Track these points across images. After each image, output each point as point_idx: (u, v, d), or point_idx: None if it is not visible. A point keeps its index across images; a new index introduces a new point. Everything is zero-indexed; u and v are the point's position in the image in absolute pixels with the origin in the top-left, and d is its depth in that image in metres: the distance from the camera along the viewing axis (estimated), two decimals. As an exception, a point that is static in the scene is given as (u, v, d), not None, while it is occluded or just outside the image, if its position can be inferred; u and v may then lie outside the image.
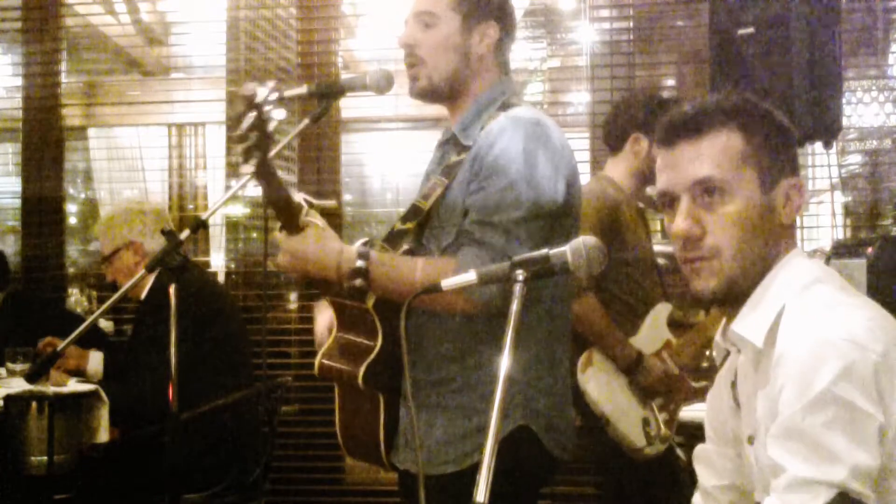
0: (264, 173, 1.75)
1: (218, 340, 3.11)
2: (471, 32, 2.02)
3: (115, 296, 1.97)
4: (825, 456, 1.22)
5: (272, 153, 1.72)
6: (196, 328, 2.95)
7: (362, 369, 1.93)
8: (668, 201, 1.46)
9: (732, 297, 1.43)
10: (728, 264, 1.40)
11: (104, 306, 1.97)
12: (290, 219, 1.87)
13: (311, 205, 1.93)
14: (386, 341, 1.93)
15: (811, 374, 1.25)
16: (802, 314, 1.34)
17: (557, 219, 1.93)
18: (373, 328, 1.94)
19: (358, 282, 1.84)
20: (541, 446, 1.95)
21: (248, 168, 1.69)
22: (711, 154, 1.41)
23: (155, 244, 3.28)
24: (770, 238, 1.42)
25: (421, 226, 2.02)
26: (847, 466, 1.21)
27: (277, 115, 1.67)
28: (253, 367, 3.32)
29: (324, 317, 2.15)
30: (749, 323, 1.41)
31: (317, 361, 2.07)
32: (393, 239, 2.02)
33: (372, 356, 1.93)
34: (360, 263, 1.85)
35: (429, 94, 2.07)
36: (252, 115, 1.64)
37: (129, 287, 1.98)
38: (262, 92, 1.65)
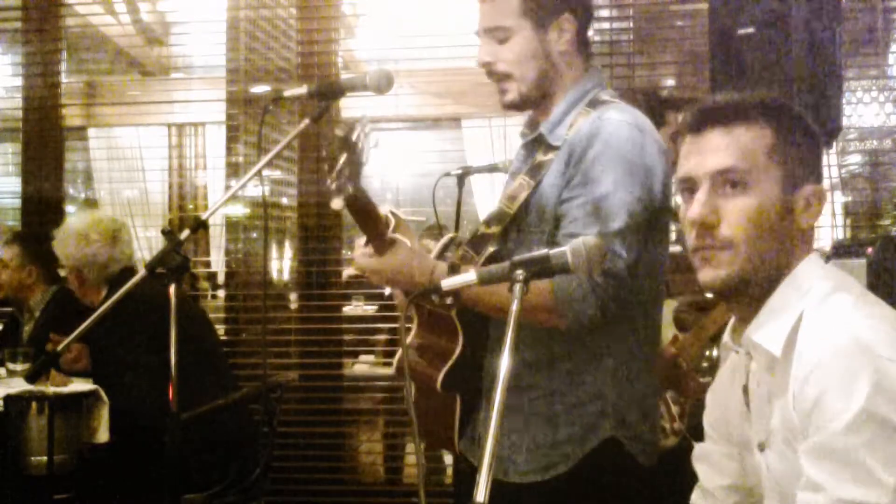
0: (357, 200, 1.72)
1: (204, 343, 3.15)
2: (546, 33, 1.94)
3: (114, 297, 1.97)
4: (866, 477, 1.22)
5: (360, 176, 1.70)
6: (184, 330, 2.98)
7: (441, 375, 1.91)
8: (689, 188, 1.44)
9: (739, 292, 1.42)
10: (740, 257, 1.38)
11: (102, 308, 1.97)
12: (378, 235, 1.85)
13: (397, 218, 1.91)
14: (466, 346, 1.92)
15: (843, 392, 1.24)
16: (823, 326, 1.32)
17: (654, 224, 1.88)
18: (454, 332, 1.93)
19: (449, 300, 1.82)
20: (629, 456, 1.90)
21: (339, 203, 1.68)
22: (739, 145, 1.40)
23: (95, 274, 3.35)
24: (785, 239, 1.40)
25: (506, 230, 1.97)
26: (887, 487, 1.21)
27: (371, 142, 1.67)
28: (231, 371, 3.37)
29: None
30: (766, 331, 1.39)
31: (395, 360, 2.07)
32: (477, 243, 1.97)
33: (451, 361, 1.91)
34: None
35: (520, 105, 2.00)
36: (346, 155, 1.63)
37: (129, 287, 1.98)
38: (356, 129, 1.65)
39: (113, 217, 3.81)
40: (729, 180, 1.39)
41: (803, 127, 1.44)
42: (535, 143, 2.01)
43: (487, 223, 2.00)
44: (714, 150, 1.41)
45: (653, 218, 1.86)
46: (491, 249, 1.95)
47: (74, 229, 3.40)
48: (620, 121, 1.87)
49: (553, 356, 1.90)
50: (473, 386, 1.98)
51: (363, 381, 4.66)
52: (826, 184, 1.48)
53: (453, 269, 1.83)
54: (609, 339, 1.88)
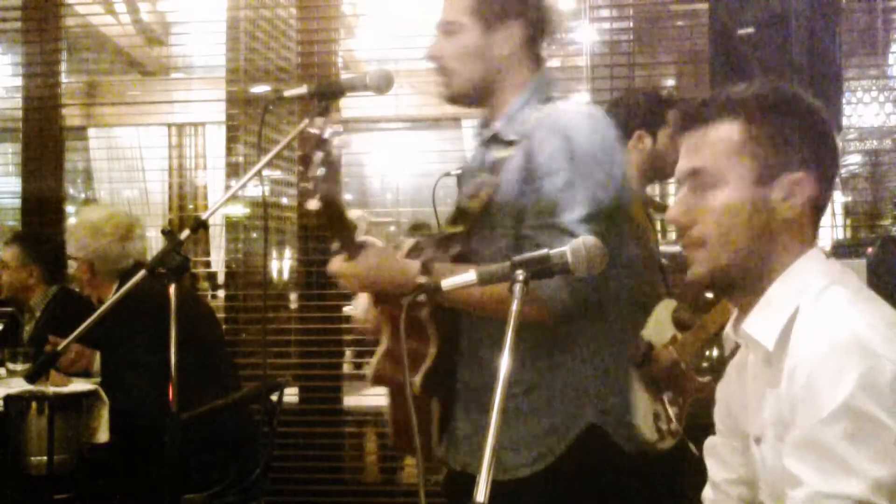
0: (329, 203, 1.74)
1: (207, 343, 3.15)
2: (493, 36, 1.97)
3: (115, 297, 1.98)
4: (845, 470, 1.21)
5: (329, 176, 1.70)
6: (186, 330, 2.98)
7: (419, 378, 1.91)
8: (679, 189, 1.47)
9: (728, 286, 1.43)
10: (713, 254, 1.40)
11: (103, 308, 1.98)
12: (347, 239, 1.86)
13: (367, 221, 1.92)
14: (440, 348, 1.92)
15: (829, 386, 1.24)
16: (817, 320, 1.32)
17: (617, 214, 1.89)
18: (426, 335, 1.93)
19: (422, 298, 1.82)
20: (612, 443, 1.91)
21: (315, 204, 1.68)
22: (707, 145, 1.42)
23: (105, 268, 3.35)
24: (766, 232, 1.40)
25: (470, 228, 1.98)
26: (867, 480, 1.20)
27: (341, 143, 1.68)
28: (235, 371, 3.36)
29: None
30: (760, 324, 1.40)
31: (371, 370, 2.05)
32: (443, 243, 1.98)
33: (427, 364, 1.92)
34: (422, 279, 1.82)
35: (458, 101, 2.04)
36: (321, 154, 1.65)
37: (129, 286, 1.98)
38: (328, 128, 1.66)
39: (127, 212, 3.82)
40: (700, 180, 1.42)
41: (785, 115, 1.42)
42: (491, 141, 2.02)
43: (451, 222, 2.00)
44: (686, 152, 1.45)
45: (616, 206, 1.88)
46: (456, 249, 1.96)
47: (88, 222, 3.40)
48: (576, 112, 1.90)
49: (533, 350, 1.90)
50: (449, 389, 1.98)
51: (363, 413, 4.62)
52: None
53: (426, 269, 1.84)
54: (586, 330, 1.89)
